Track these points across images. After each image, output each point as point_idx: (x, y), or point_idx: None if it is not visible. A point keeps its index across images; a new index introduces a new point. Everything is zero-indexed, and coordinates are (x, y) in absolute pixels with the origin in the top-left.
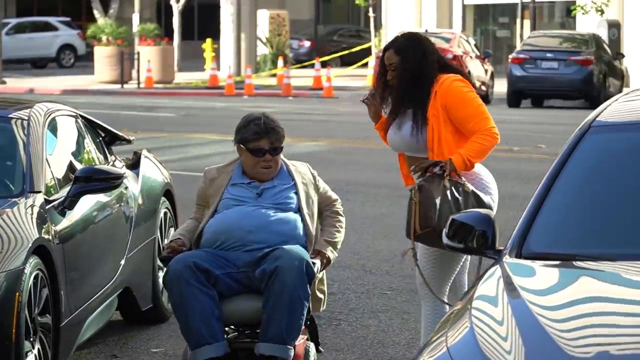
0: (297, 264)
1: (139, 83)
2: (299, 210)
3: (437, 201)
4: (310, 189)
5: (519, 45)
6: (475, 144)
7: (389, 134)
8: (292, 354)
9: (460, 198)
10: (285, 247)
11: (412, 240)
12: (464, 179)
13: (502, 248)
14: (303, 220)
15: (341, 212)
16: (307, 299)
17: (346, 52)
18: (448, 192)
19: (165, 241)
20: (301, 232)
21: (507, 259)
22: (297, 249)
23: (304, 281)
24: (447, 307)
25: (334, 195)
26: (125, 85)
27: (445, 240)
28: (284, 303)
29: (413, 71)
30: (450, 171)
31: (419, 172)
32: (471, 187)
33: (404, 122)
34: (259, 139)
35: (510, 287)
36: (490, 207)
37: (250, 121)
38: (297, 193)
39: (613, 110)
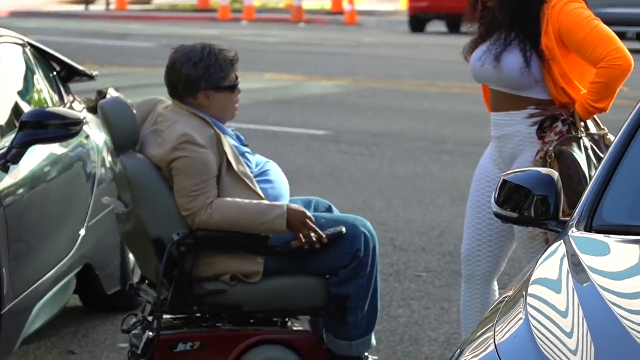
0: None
1: (108, 3)
2: None
3: (585, 169)
4: None
5: None
6: (594, 84)
7: (474, 63)
8: None
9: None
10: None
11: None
12: (602, 126)
13: (567, 219)
14: None
15: None
16: None
17: None
18: (590, 152)
19: None
20: None
21: (574, 232)
22: None
23: None
24: None
25: None
26: (90, 7)
27: (494, 207)
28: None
29: None
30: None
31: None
32: (613, 138)
33: (506, 54)
34: (233, 70)
35: (577, 268)
36: None
37: (213, 54)
38: None
39: None
